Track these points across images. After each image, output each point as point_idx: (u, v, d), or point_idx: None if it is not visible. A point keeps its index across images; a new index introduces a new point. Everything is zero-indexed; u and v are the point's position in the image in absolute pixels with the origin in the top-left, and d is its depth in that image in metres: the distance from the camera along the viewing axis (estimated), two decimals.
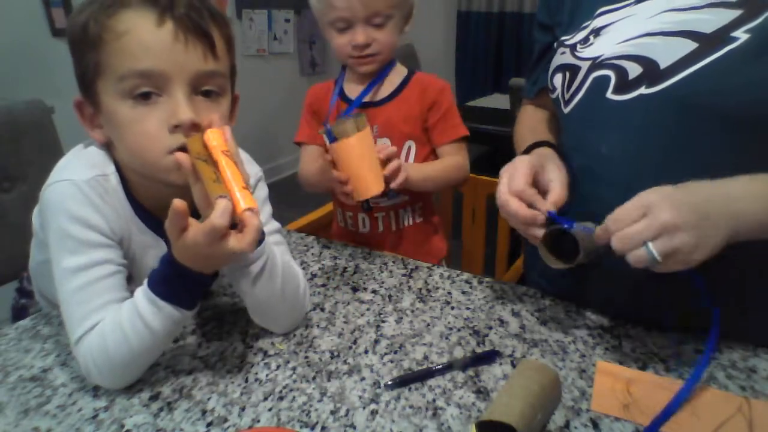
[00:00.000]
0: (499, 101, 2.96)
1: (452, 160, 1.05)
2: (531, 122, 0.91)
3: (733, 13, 0.59)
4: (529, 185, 0.66)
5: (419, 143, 1.06)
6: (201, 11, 0.60)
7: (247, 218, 0.55)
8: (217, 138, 0.58)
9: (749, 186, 0.58)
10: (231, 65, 0.67)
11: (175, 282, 0.60)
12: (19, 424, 0.58)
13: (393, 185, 0.88)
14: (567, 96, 0.74)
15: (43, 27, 2.13)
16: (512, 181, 0.66)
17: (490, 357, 0.68)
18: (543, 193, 0.68)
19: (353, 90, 1.06)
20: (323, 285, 0.88)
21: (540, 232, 0.65)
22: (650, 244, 0.54)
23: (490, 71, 4.13)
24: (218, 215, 0.53)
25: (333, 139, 0.85)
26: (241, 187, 0.56)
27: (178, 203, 0.54)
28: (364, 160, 0.86)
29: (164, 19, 0.58)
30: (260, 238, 0.65)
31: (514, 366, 0.66)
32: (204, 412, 0.60)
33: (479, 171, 1.21)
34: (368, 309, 0.80)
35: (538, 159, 0.70)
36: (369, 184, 0.87)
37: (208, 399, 0.62)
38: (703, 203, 0.55)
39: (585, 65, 0.71)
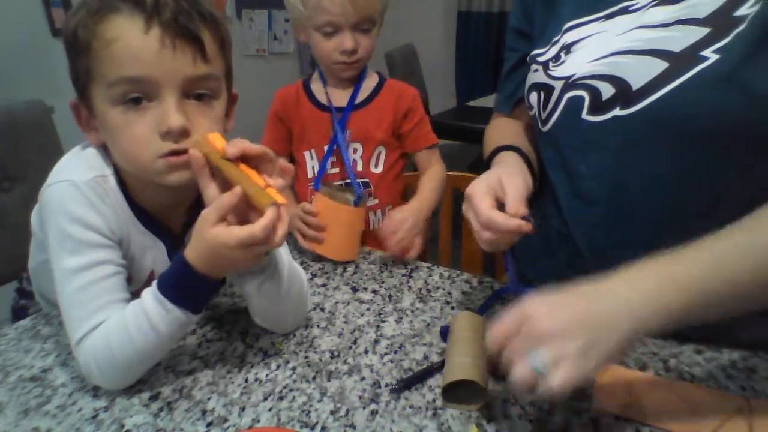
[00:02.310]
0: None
1: (436, 174, 1.09)
2: (501, 131, 0.89)
3: (702, 31, 0.59)
4: (492, 209, 0.64)
5: (389, 149, 1.08)
6: (190, 14, 0.59)
7: (281, 213, 0.56)
8: (218, 140, 0.59)
9: (642, 278, 0.50)
10: (226, 66, 0.66)
11: (186, 285, 0.60)
12: (19, 424, 0.58)
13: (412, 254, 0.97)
14: (544, 116, 0.74)
15: (43, 27, 2.13)
16: (477, 212, 0.64)
17: None
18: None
19: (332, 94, 1.06)
20: (323, 285, 0.88)
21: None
22: (536, 357, 0.47)
23: (490, 71, 4.12)
24: (261, 228, 0.54)
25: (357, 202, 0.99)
26: (265, 185, 0.56)
27: (238, 189, 0.55)
28: (348, 230, 0.96)
29: (151, 25, 0.57)
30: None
31: None
32: (204, 412, 0.60)
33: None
34: (368, 309, 0.80)
35: (495, 178, 0.67)
36: (343, 251, 0.95)
37: (208, 399, 0.62)
38: (588, 305, 0.49)
39: (558, 85, 0.71)
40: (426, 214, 1.02)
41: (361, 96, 1.06)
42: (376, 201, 1.08)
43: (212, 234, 0.56)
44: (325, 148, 1.06)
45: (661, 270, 0.50)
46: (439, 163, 1.11)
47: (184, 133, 0.60)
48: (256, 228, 0.54)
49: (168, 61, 0.58)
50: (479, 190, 0.66)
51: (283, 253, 0.70)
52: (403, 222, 0.95)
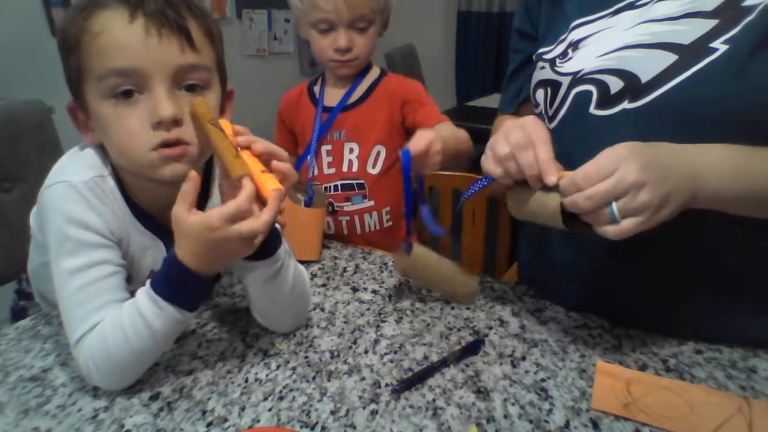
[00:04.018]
0: (498, 101, 2.95)
1: (453, 128, 0.98)
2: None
3: (709, 23, 0.59)
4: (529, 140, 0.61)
5: (389, 148, 1.05)
6: (175, 5, 0.60)
7: (271, 197, 0.56)
8: (227, 127, 0.61)
9: (715, 154, 0.57)
10: (217, 58, 0.66)
11: (178, 283, 0.59)
12: (19, 424, 0.58)
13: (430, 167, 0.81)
14: (551, 112, 0.74)
15: (43, 27, 2.13)
16: (534, 131, 0.61)
17: (476, 346, 0.69)
18: None
19: (329, 93, 1.07)
20: (323, 285, 0.88)
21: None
22: (613, 204, 0.53)
23: (490, 71, 4.12)
24: (244, 198, 0.54)
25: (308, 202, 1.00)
26: (261, 171, 0.57)
27: (193, 173, 0.56)
28: (306, 230, 0.95)
29: (135, 16, 0.58)
30: (277, 243, 0.66)
31: (514, 366, 0.67)
32: (204, 412, 0.60)
33: (479, 171, 1.21)
34: (368, 309, 0.80)
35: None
36: (296, 250, 0.92)
37: (208, 399, 0.62)
38: (670, 165, 0.55)
39: (566, 81, 0.71)
40: (445, 138, 0.85)
41: (358, 94, 1.06)
42: (372, 203, 1.07)
43: (190, 222, 0.56)
44: (313, 146, 1.06)
45: (736, 156, 0.57)
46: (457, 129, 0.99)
47: (175, 123, 0.60)
48: (240, 199, 0.54)
49: (154, 51, 0.58)
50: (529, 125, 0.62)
51: (288, 253, 0.71)
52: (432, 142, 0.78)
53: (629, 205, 0.53)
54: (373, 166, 1.06)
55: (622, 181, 0.52)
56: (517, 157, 0.60)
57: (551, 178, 0.58)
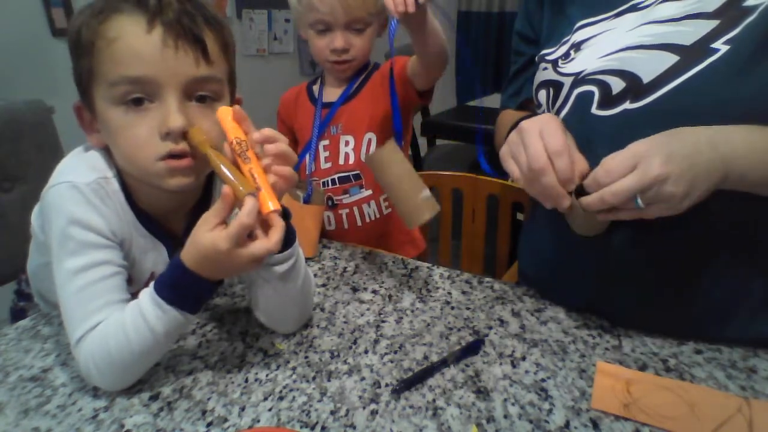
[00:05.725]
0: (498, 101, 2.95)
1: None
2: (516, 115, 0.87)
3: (711, 24, 0.59)
4: (567, 145, 0.61)
5: (380, 134, 1.06)
6: (193, 15, 0.60)
7: (273, 219, 0.56)
8: (227, 115, 0.59)
9: (744, 137, 0.57)
10: (229, 70, 0.66)
11: (183, 288, 0.59)
12: (19, 424, 0.58)
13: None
14: (552, 112, 0.74)
15: (43, 27, 2.13)
16: (551, 139, 0.61)
17: (476, 346, 0.69)
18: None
19: (328, 92, 1.08)
20: (323, 285, 0.88)
21: (567, 202, 0.61)
22: (638, 197, 0.55)
23: (490, 71, 4.12)
24: (246, 214, 0.54)
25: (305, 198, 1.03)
26: (263, 183, 0.56)
27: (228, 189, 0.55)
28: (303, 227, 0.92)
29: (154, 25, 0.57)
30: (292, 237, 0.66)
31: (514, 366, 0.67)
32: (204, 412, 0.60)
33: (479, 171, 1.21)
34: (368, 309, 0.80)
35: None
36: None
37: (208, 399, 0.62)
38: (695, 153, 0.55)
39: (568, 81, 0.71)
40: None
41: (353, 88, 1.07)
42: (369, 192, 1.08)
43: (207, 237, 0.56)
44: (313, 143, 1.07)
45: (756, 139, 0.57)
46: None
47: (184, 135, 0.60)
48: (242, 216, 0.54)
49: (170, 61, 0.58)
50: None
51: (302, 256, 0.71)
52: None
53: (654, 196, 0.55)
54: (366, 152, 1.06)
55: (645, 176, 0.54)
56: (540, 181, 0.62)
57: (564, 203, 0.61)
